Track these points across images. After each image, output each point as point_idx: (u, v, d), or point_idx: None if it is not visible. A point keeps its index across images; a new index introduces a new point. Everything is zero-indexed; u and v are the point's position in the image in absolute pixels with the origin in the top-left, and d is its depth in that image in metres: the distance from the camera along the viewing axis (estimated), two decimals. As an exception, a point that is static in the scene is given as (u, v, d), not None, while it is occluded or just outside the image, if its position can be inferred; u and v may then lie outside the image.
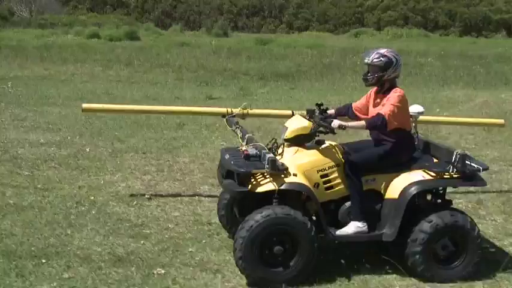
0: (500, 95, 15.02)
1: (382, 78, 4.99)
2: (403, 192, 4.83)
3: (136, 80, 18.27)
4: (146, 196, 6.80)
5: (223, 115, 6.32)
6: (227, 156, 4.98)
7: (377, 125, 4.85)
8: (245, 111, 6.43)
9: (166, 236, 5.70)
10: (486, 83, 18.67)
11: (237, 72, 20.28)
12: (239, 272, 4.74)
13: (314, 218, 4.92)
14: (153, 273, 4.89)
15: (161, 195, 6.91)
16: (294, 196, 4.87)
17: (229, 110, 6.36)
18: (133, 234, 5.69)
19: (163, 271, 4.92)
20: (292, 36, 49.62)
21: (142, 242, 5.52)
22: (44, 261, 4.96)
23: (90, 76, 18.69)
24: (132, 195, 6.84)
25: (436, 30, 63.88)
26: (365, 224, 4.91)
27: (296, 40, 37.10)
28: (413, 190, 4.81)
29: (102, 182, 7.29)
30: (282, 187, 4.67)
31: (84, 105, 6.77)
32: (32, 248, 5.19)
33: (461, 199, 7.00)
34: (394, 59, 4.98)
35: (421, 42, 38.00)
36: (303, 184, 4.73)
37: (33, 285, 4.57)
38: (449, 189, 7.04)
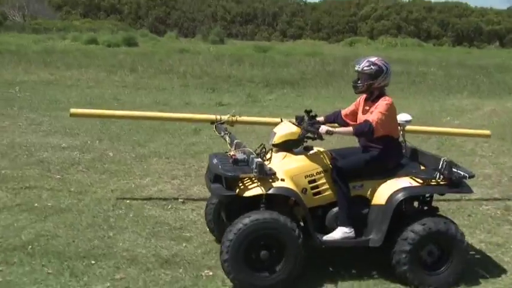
0: (506, 104, 15.27)
1: (372, 86, 5.02)
2: (390, 198, 4.84)
3: (142, 85, 18.24)
4: (180, 200, 6.87)
5: (212, 122, 6.37)
6: (215, 161, 4.90)
7: (364, 131, 4.88)
8: (234, 118, 6.47)
9: (207, 239, 5.76)
10: (490, 92, 18.91)
11: (242, 79, 20.32)
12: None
13: (301, 223, 4.92)
14: (202, 275, 4.95)
15: (193, 199, 6.97)
16: (281, 201, 4.84)
17: (218, 117, 6.42)
18: (174, 237, 5.76)
19: (211, 273, 4.98)
20: (288, 44, 49.97)
21: (184, 244, 5.58)
22: (93, 262, 5.03)
23: (95, 81, 18.63)
24: (165, 199, 6.90)
25: (429, 40, 64.49)
26: (352, 229, 4.92)
27: (294, 48, 37.39)
28: (400, 196, 4.83)
29: (133, 185, 7.35)
30: (270, 192, 4.64)
31: (72, 110, 6.67)
32: (79, 250, 5.26)
33: (488, 205, 7.12)
34: (384, 68, 5.02)
35: (417, 52, 38.38)
36: (291, 189, 4.71)
37: (88, 285, 4.64)
38: (474, 196, 7.19)
